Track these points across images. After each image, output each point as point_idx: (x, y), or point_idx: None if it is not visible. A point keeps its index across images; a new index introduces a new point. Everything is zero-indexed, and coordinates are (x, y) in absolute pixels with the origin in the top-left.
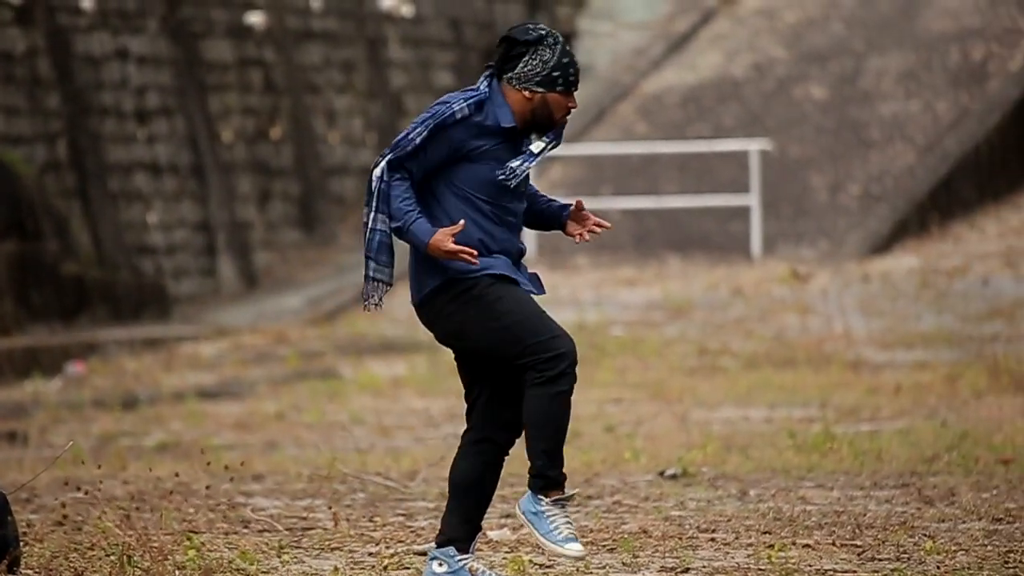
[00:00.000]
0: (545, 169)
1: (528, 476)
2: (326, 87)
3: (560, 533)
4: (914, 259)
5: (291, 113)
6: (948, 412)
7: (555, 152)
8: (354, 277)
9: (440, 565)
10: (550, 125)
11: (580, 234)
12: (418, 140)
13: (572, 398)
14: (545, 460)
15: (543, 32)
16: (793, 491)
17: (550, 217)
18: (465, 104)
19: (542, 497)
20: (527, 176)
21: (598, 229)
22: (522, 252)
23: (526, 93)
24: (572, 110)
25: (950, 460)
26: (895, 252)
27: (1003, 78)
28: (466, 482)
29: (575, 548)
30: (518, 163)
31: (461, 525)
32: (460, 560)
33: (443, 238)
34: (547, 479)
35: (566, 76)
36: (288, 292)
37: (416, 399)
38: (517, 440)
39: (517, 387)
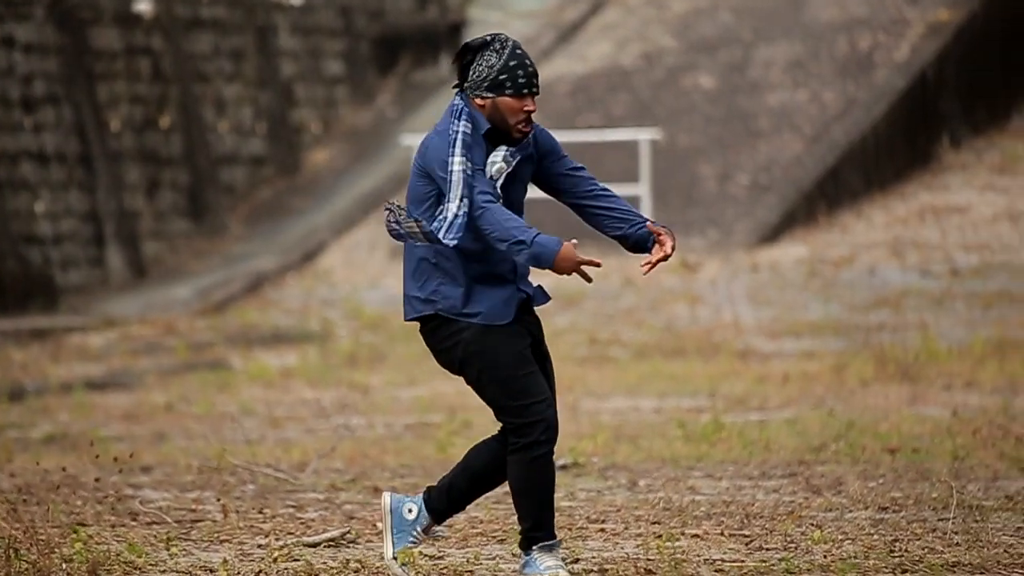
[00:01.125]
0: None
1: (520, 534)
2: (215, 76)
3: (543, 563)
4: (802, 248)
5: (180, 102)
6: (835, 401)
7: None
8: (244, 267)
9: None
10: (510, 132)
11: (650, 264)
12: (466, 168)
13: (553, 458)
14: (531, 523)
15: (489, 37)
16: (682, 481)
17: (636, 241)
18: (458, 120)
19: (533, 550)
20: (510, 183)
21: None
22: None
23: (478, 100)
24: (530, 113)
25: (837, 449)
26: (783, 242)
27: (890, 68)
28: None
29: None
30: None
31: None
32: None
33: (573, 250)
34: (534, 539)
35: (514, 78)
36: (177, 282)
37: (307, 390)
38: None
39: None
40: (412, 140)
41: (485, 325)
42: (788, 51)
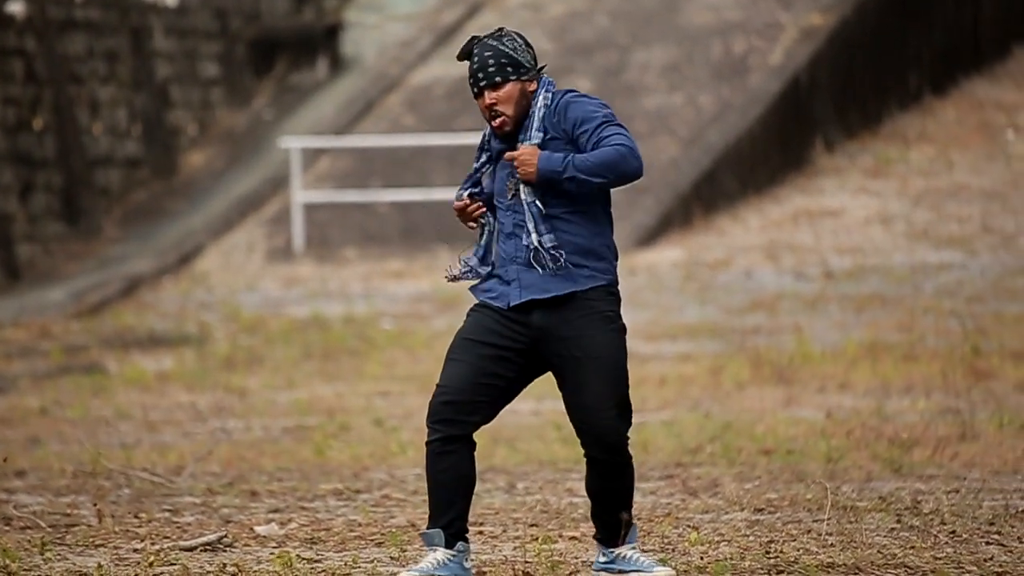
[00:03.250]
0: (313, 161)
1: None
2: (89, 77)
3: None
4: (678, 251)
5: (53, 104)
6: (711, 403)
7: (323, 144)
8: (119, 269)
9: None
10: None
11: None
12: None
13: (448, 448)
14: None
15: (473, 39)
16: (560, 483)
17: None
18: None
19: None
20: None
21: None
22: (527, 252)
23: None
24: (493, 108)
25: (713, 451)
26: (660, 244)
27: (764, 72)
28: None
29: None
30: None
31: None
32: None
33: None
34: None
35: (475, 79)
36: (51, 285)
37: (183, 393)
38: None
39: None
40: (289, 143)
41: (477, 303)
42: (664, 55)
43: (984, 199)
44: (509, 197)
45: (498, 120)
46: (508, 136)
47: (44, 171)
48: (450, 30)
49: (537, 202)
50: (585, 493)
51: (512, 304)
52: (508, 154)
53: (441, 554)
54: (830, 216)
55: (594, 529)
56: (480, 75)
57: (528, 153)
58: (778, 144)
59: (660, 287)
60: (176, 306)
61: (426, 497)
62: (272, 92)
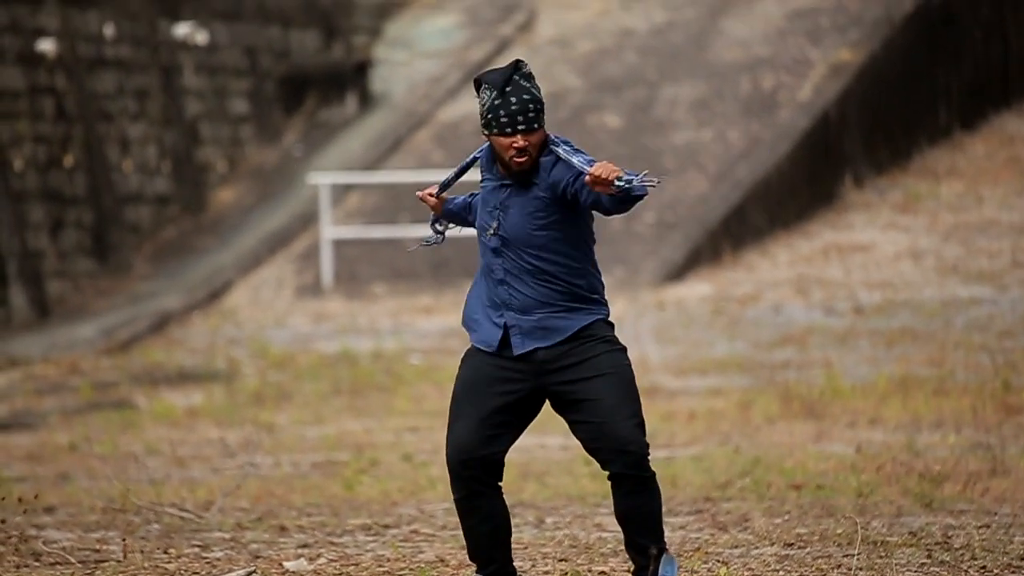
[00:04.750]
0: (342, 197)
1: None
2: (119, 115)
3: None
4: (707, 287)
5: (84, 141)
6: (741, 438)
7: (352, 180)
8: (149, 306)
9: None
10: (509, 168)
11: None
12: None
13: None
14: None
15: (486, 73)
16: (589, 518)
17: (593, 201)
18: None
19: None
20: (520, 226)
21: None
22: (518, 303)
23: (484, 136)
24: (521, 150)
25: (743, 486)
26: (689, 280)
27: (793, 108)
28: None
29: None
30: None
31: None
32: None
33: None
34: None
35: (497, 117)
36: (81, 322)
37: (212, 429)
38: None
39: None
40: (318, 179)
41: (474, 346)
42: (692, 91)
43: (1014, 234)
44: (489, 234)
45: (523, 159)
46: (520, 176)
47: (75, 208)
48: (479, 66)
49: (529, 249)
50: (617, 524)
51: (517, 354)
52: (595, 169)
53: None
54: (860, 251)
55: (629, 563)
56: (520, 119)
57: (608, 167)
58: (807, 180)
59: (689, 322)
60: (205, 342)
61: (455, 532)
62: (301, 129)
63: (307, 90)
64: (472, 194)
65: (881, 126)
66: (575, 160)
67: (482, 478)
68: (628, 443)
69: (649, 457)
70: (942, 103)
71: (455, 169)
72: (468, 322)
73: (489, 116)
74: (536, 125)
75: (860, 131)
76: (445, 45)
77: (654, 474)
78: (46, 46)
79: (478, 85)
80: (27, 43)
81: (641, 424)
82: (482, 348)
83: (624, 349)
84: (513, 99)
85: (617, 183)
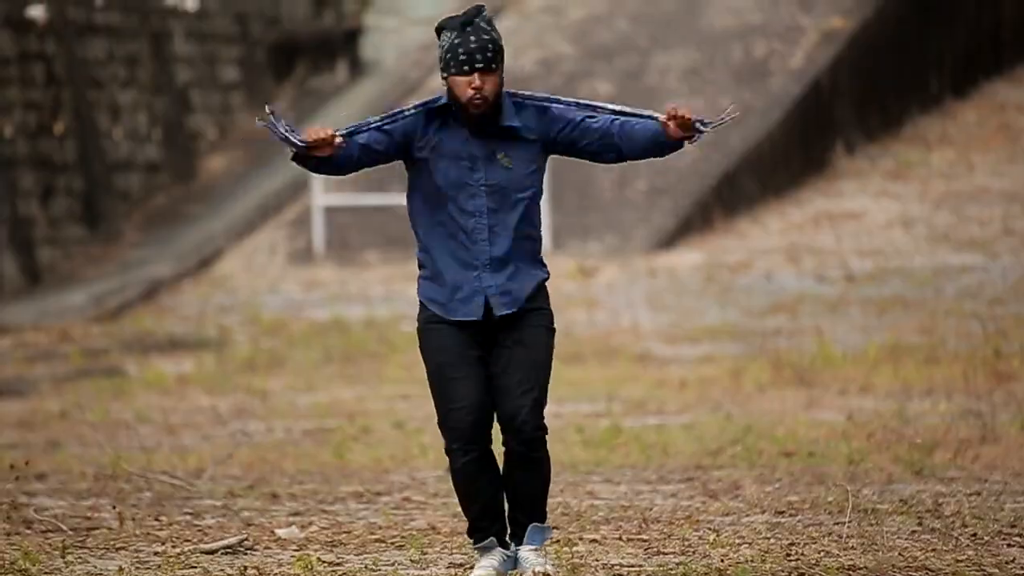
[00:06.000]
0: None
1: None
2: (110, 82)
3: (477, 564)
4: (699, 254)
5: (74, 108)
6: (732, 406)
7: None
8: (139, 273)
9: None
10: (465, 110)
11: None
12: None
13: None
14: (468, 525)
15: (448, 18)
16: (581, 486)
17: (658, 143)
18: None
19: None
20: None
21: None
22: (495, 260)
23: (442, 80)
24: (480, 90)
25: (734, 454)
26: (680, 247)
27: (784, 75)
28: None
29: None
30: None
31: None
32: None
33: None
34: (472, 541)
35: (456, 56)
36: (72, 289)
37: (204, 396)
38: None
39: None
40: None
41: (430, 317)
42: (684, 59)
43: (1005, 201)
44: (476, 187)
45: (479, 102)
46: (481, 122)
47: (65, 175)
48: None
49: (516, 200)
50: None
51: (498, 316)
52: (677, 110)
53: (500, 554)
54: (851, 219)
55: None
56: (478, 56)
57: (688, 109)
58: (799, 147)
59: (680, 290)
60: (196, 309)
61: (447, 500)
62: (292, 96)
63: (297, 57)
64: (367, 131)
65: (873, 94)
66: (593, 104)
67: (487, 437)
68: (522, 422)
69: (545, 437)
70: (933, 70)
71: (381, 116)
72: (440, 300)
73: (448, 56)
74: (494, 66)
75: (852, 99)
76: (435, 12)
77: (546, 455)
78: (36, 12)
79: (439, 31)
80: (17, 9)
81: (539, 403)
82: (462, 320)
83: (552, 326)
84: (472, 38)
85: (701, 127)
